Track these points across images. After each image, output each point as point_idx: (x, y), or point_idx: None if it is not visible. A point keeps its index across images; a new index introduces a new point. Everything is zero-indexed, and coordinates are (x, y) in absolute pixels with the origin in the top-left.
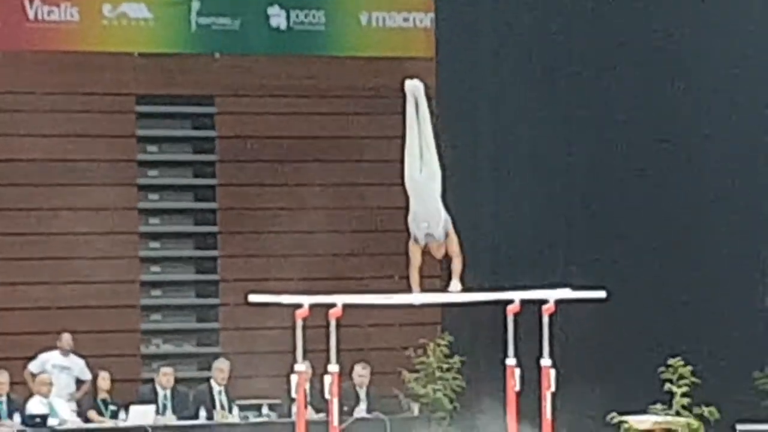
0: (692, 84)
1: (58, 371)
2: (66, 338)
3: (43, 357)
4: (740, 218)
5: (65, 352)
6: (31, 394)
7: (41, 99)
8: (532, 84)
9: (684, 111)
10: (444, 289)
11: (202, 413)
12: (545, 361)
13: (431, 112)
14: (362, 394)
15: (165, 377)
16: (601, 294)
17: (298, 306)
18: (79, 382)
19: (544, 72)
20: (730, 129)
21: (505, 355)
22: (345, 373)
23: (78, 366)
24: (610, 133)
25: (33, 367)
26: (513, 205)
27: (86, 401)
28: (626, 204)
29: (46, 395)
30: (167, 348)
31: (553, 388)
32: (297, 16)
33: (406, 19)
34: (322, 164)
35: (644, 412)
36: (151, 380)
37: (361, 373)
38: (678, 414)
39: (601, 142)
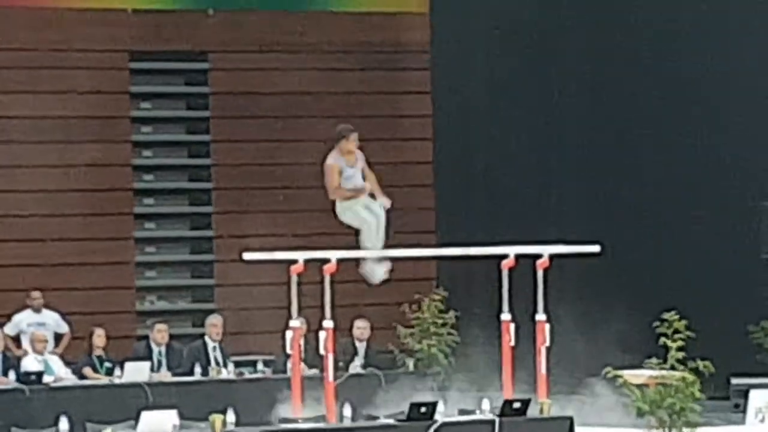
0: (693, 41)
1: (35, 329)
2: (35, 295)
3: (16, 318)
4: (737, 171)
5: (37, 309)
6: (25, 353)
7: (35, 55)
8: (526, 38)
9: (681, 64)
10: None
11: (197, 369)
12: (540, 316)
13: (424, 68)
14: (361, 348)
15: (159, 334)
16: (596, 248)
17: (293, 262)
18: (58, 336)
19: (540, 26)
20: (728, 81)
21: (500, 310)
22: (340, 329)
23: (53, 319)
24: (605, 86)
25: (8, 329)
26: (506, 158)
27: (81, 358)
28: (622, 157)
29: (41, 352)
30: (162, 304)
31: (548, 343)
32: None
33: None
34: (316, 119)
35: (639, 366)
36: (146, 337)
37: (360, 325)
38: (673, 368)
39: (596, 94)
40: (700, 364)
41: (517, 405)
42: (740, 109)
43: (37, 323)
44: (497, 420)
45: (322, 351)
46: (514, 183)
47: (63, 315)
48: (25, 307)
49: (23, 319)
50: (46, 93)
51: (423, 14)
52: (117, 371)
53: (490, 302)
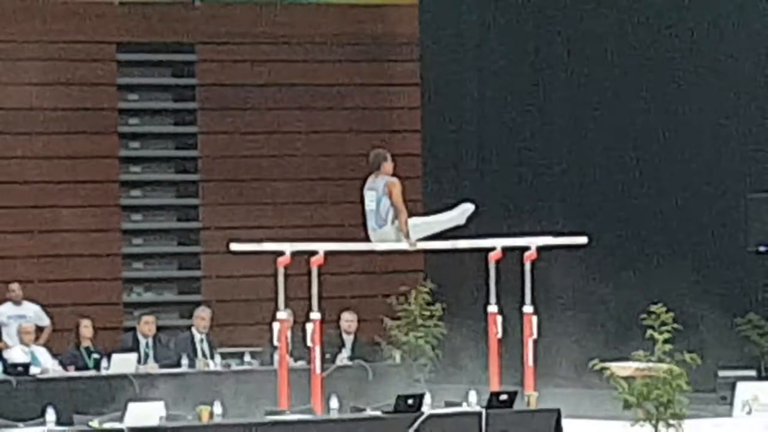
0: (680, 29)
1: (15, 321)
2: (15, 287)
3: None
4: (725, 163)
5: (17, 302)
6: (5, 345)
7: (21, 47)
8: (516, 29)
9: (670, 55)
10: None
11: (184, 361)
12: (527, 308)
13: (413, 60)
14: (348, 341)
15: (146, 325)
16: (583, 240)
17: (280, 254)
18: (39, 329)
19: (530, 17)
20: (716, 73)
21: (487, 302)
22: (327, 321)
23: (34, 312)
24: (595, 78)
25: None
26: (495, 150)
27: (69, 349)
28: (609, 149)
29: (27, 344)
30: (149, 296)
31: (535, 335)
32: None
33: None
34: (303, 112)
35: (626, 358)
36: (133, 328)
37: (347, 318)
38: (660, 360)
39: (586, 86)
40: (687, 356)
41: (503, 397)
42: (727, 101)
43: (18, 315)
44: (484, 412)
45: (309, 343)
46: (503, 175)
47: (44, 307)
48: (4, 299)
49: (3, 312)
50: (33, 84)
51: (412, 5)
52: (104, 362)
53: (478, 294)
